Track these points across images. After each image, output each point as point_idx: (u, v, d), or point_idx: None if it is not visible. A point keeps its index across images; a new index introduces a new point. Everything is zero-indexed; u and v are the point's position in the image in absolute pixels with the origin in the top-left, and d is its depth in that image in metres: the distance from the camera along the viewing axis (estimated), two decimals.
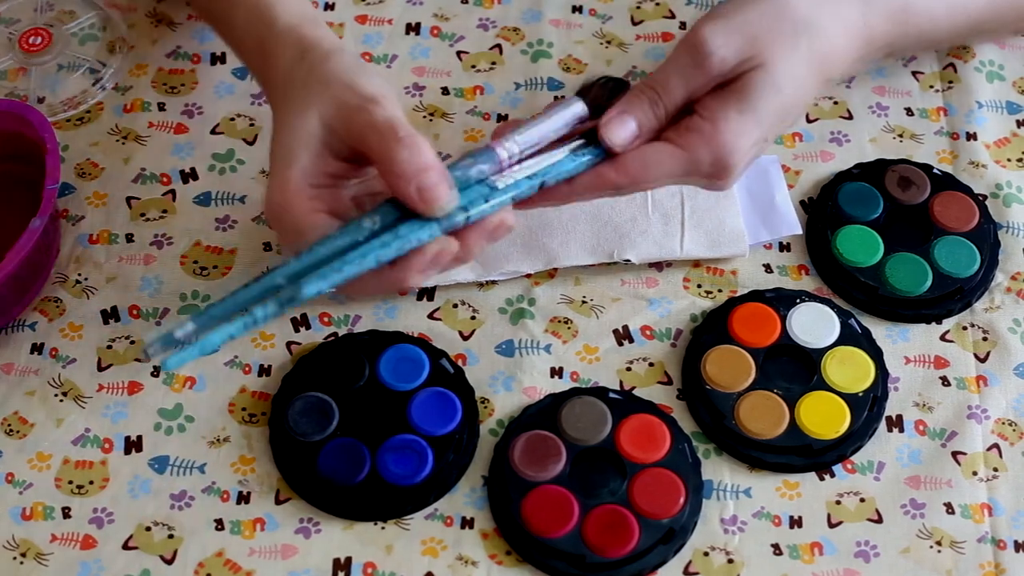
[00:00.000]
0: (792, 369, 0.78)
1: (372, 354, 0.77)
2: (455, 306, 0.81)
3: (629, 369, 0.79)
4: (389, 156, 0.67)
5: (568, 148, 0.71)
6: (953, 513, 0.74)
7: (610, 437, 0.75)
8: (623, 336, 0.80)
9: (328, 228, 0.67)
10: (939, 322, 0.80)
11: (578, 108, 0.72)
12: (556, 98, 0.89)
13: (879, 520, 0.74)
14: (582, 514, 0.73)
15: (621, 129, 0.70)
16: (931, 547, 0.73)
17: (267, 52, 0.75)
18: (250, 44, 0.77)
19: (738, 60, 0.70)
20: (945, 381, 0.78)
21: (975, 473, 0.75)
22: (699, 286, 0.82)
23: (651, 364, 0.79)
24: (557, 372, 0.79)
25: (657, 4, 0.93)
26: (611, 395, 0.77)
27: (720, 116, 0.70)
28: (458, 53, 0.91)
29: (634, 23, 0.92)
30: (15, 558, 0.73)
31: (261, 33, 0.75)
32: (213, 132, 0.87)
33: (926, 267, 0.80)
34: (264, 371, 0.79)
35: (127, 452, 0.76)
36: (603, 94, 0.73)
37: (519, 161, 0.70)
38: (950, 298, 0.80)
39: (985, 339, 0.80)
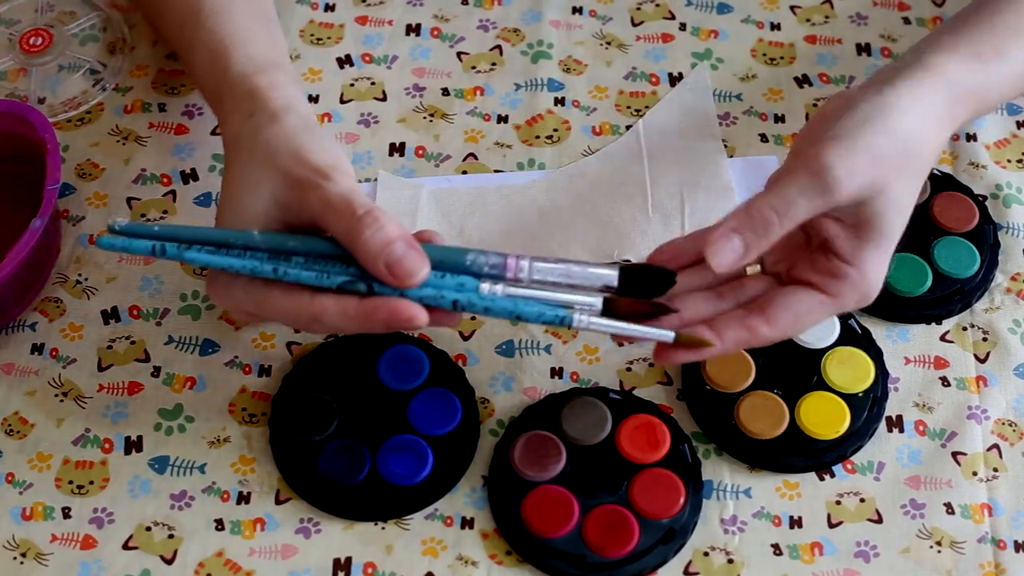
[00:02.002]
0: (792, 369, 0.78)
1: (372, 354, 0.77)
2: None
3: (629, 369, 0.79)
4: (351, 236, 0.65)
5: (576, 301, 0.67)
6: (953, 513, 0.74)
7: (610, 437, 0.75)
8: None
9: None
10: (939, 322, 0.80)
11: (610, 278, 0.67)
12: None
13: (879, 520, 0.74)
14: (582, 514, 0.73)
15: (727, 250, 0.66)
16: (931, 547, 0.73)
17: (221, 100, 0.74)
18: (208, 88, 0.76)
19: (861, 188, 0.67)
20: (945, 381, 0.78)
21: (975, 473, 0.75)
22: None
23: (651, 364, 0.79)
24: (557, 372, 0.79)
25: (657, 5, 0.93)
26: (611, 395, 0.77)
27: (864, 259, 0.68)
28: (458, 54, 0.91)
29: (634, 24, 0.93)
30: (15, 558, 0.73)
31: (217, 79, 0.74)
32: (213, 132, 0.87)
33: (926, 267, 0.80)
34: (264, 371, 0.79)
35: (127, 452, 0.76)
36: (642, 282, 0.68)
37: (520, 283, 0.67)
38: (950, 298, 0.80)
39: (985, 339, 0.80)
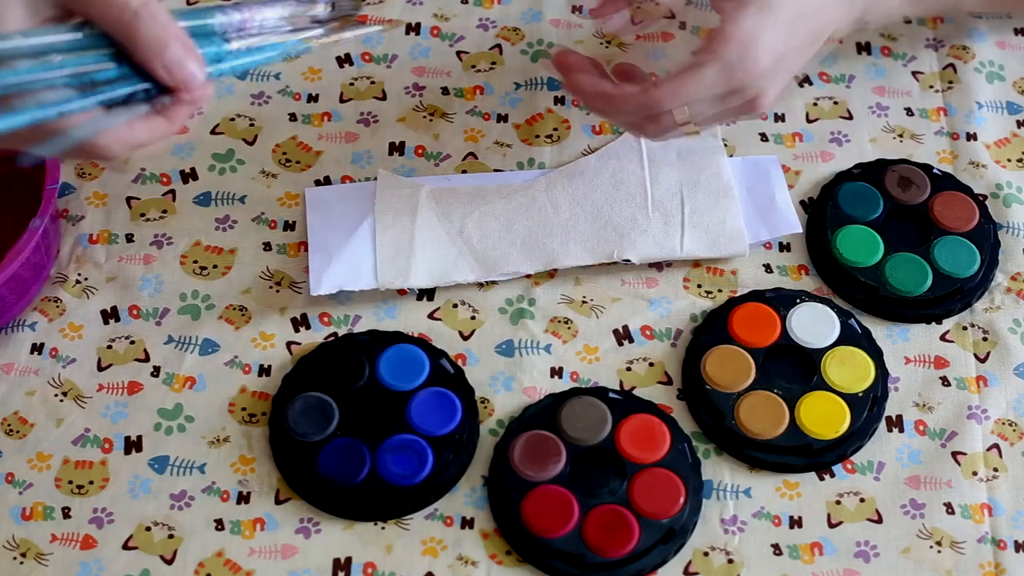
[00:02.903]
0: (792, 369, 0.78)
1: (372, 354, 0.77)
2: (455, 306, 0.81)
3: (629, 369, 0.79)
4: (127, 33, 0.61)
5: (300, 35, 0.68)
6: (953, 513, 0.74)
7: (610, 437, 0.75)
8: (623, 336, 0.80)
9: None
10: (939, 322, 0.80)
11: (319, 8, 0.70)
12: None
13: (879, 520, 0.74)
14: (582, 514, 0.73)
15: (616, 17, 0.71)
16: (931, 547, 0.73)
17: None
18: None
19: None
20: (945, 381, 0.78)
21: (975, 473, 0.75)
22: (699, 286, 0.82)
23: (651, 364, 0.79)
24: (557, 372, 0.79)
25: (657, 4, 0.93)
26: (611, 395, 0.77)
27: (739, 14, 0.71)
28: (458, 53, 0.91)
29: (634, 23, 0.92)
30: (15, 558, 0.73)
31: None
32: (213, 132, 0.87)
33: (926, 267, 0.80)
34: (264, 371, 0.79)
35: (127, 452, 0.76)
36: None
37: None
38: (950, 298, 0.80)
39: (985, 339, 0.80)
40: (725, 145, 0.86)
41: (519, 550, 0.73)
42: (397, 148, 0.87)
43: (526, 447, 0.75)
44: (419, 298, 0.81)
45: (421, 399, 0.76)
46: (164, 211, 0.84)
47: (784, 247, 0.83)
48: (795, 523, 0.74)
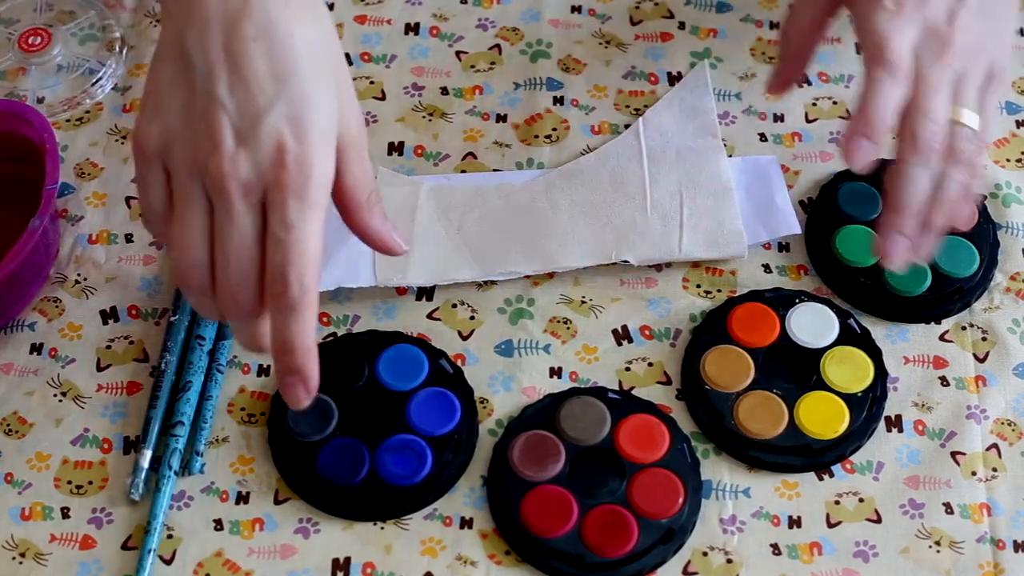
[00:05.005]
0: (791, 369, 0.78)
1: (371, 354, 0.77)
2: (454, 306, 0.81)
3: (628, 369, 0.79)
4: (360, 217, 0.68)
5: None
6: (952, 513, 0.74)
7: (609, 437, 0.75)
8: (622, 336, 0.80)
9: None
10: (938, 322, 0.80)
11: None
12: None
13: (878, 520, 0.74)
14: (581, 514, 0.73)
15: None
16: (930, 547, 0.73)
17: None
18: None
19: None
20: (944, 381, 0.78)
21: (974, 473, 0.75)
22: (698, 286, 0.82)
23: (650, 364, 0.79)
24: (556, 372, 0.79)
25: (656, 4, 0.93)
26: (610, 395, 0.77)
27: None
28: (457, 53, 0.91)
29: (633, 23, 0.92)
30: (14, 558, 0.73)
31: None
32: None
33: (925, 267, 0.80)
34: (263, 371, 0.79)
35: (126, 452, 0.76)
36: None
37: None
38: (949, 298, 0.80)
39: (984, 339, 0.80)
40: (724, 145, 0.86)
41: (518, 550, 0.73)
42: (396, 148, 0.87)
43: (525, 447, 0.75)
44: (418, 298, 0.81)
45: (420, 399, 0.76)
46: None
47: (783, 247, 0.83)
48: (794, 523, 0.74)
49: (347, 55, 0.91)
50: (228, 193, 0.61)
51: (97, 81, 0.89)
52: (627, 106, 0.88)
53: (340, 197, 0.67)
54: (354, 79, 0.89)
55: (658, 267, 0.82)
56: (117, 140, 0.87)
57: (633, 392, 0.78)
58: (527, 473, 0.74)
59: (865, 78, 0.72)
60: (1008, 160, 0.86)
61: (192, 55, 0.63)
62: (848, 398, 0.76)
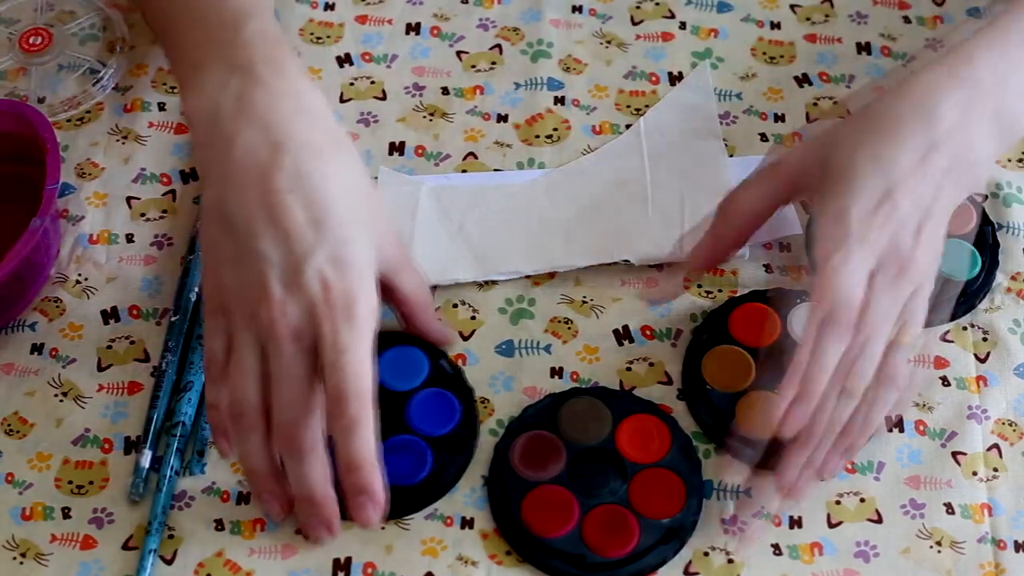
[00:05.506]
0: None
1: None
2: (455, 306, 0.81)
3: (629, 369, 0.79)
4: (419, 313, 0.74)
5: None
6: (953, 513, 0.74)
7: (610, 437, 0.75)
8: (623, 336, 0.80)
9: None
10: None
11: None
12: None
13: (879, 520, 0.74)
14: (582, 514, 0.73)
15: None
16: (931, 547, 0.73)
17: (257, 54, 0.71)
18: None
19: None
20: (945, 381, 0.78)
21: (975, 473, 0.75)
22: (699, 286, 0.82)
23: (651, 364, 0.79)
24: (557, 372, 0.79)
25: (657, 4, 0.93)
26: (611, 395, 0.77)
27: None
28: (458, 53, 0.91)
29: (634, 23, 0.92)
30: (15, 558, 0.73)
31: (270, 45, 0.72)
32: None
33: None
34: None
35: (127, 452, 0.76)
36: None
37: None
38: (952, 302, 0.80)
39: (985, 339, 0.80)
40: (725, 145, 0.86)
41: (519, 550, 0.73)
42: (397, 148, 0.87)
43: (526, 447, 0.75)
44: None
45: (420, 399, 0.76)
46: (164, 211, 0.84)
47: (784, 247, 0.83)
48: (795, 523, 0.74)
49: (348, 55, 0.91)
50: (279, 338, 0.65)
51: (98, 81, 0.89)
52: (628, 106, 0.88)
53: (400, 306, 0.73)
54: (355, 79, 0.90)
55: (659, 267, 0.82)
56: (118, 140, 0.87)
57: (634, 392, 0.78)
58: (528, 473, 0.74)
59: (809, 321, 0.68)
60: (1008, 160, 0.86)
61: (232, 216, 0.66)
62: None
